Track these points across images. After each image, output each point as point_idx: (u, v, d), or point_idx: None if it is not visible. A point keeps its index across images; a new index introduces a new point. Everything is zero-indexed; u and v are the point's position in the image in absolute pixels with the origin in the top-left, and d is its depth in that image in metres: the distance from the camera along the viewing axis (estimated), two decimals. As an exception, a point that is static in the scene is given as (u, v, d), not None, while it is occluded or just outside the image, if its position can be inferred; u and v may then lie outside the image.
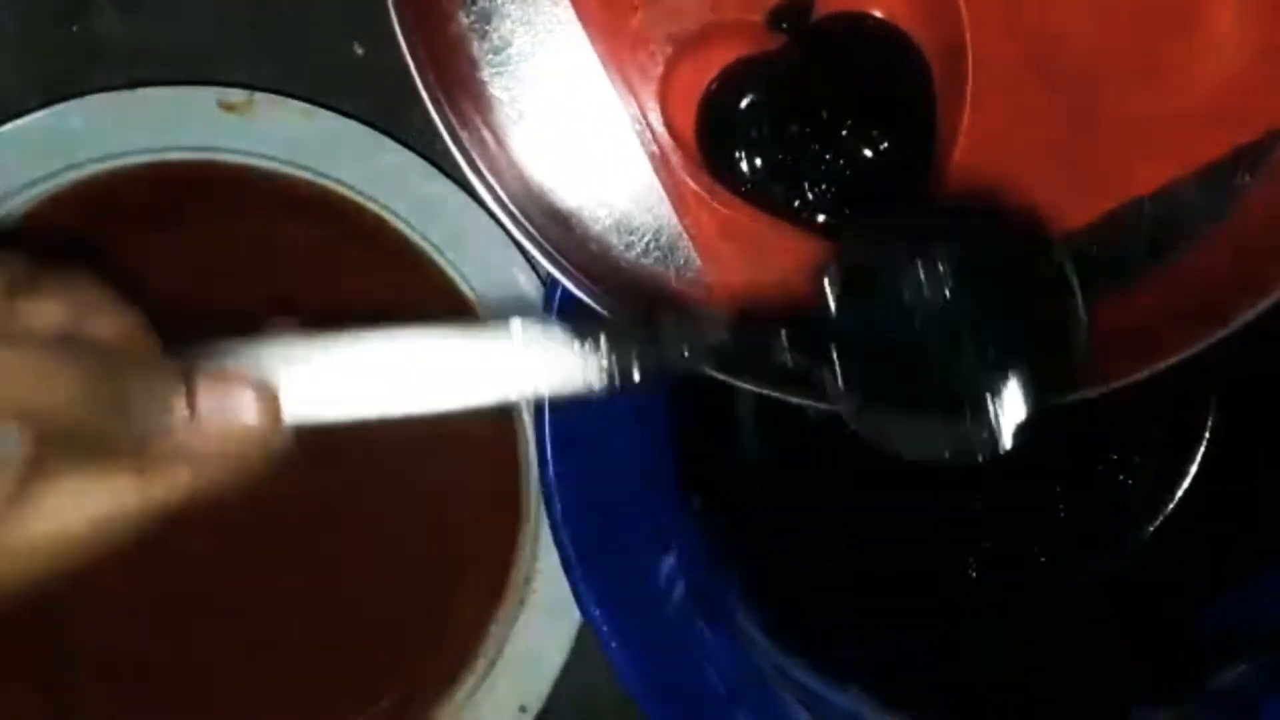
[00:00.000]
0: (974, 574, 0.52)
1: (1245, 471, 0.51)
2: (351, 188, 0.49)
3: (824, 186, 0.39)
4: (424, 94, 0.36)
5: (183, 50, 0.50)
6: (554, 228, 0.38)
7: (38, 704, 0.51)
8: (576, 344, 0.34)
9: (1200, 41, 0.38)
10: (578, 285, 0.37)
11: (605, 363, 0.34)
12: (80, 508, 0.30)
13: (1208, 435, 0.52)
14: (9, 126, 0.47)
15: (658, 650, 0.44)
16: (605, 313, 0.36)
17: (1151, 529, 0.53)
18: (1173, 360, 0.37)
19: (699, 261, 0.39)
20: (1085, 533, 0.53)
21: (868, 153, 0.39)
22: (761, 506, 0.50)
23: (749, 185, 0.38)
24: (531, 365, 0.34)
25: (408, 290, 0.50)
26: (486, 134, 0.38)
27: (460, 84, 0.38)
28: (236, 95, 0.48)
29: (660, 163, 0.38)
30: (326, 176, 0.48)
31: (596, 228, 0.39)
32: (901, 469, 0.50)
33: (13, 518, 0.30)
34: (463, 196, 0.48)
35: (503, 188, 0.37)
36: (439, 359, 0.34)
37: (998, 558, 0.52)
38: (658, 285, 0.39)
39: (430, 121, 0.50)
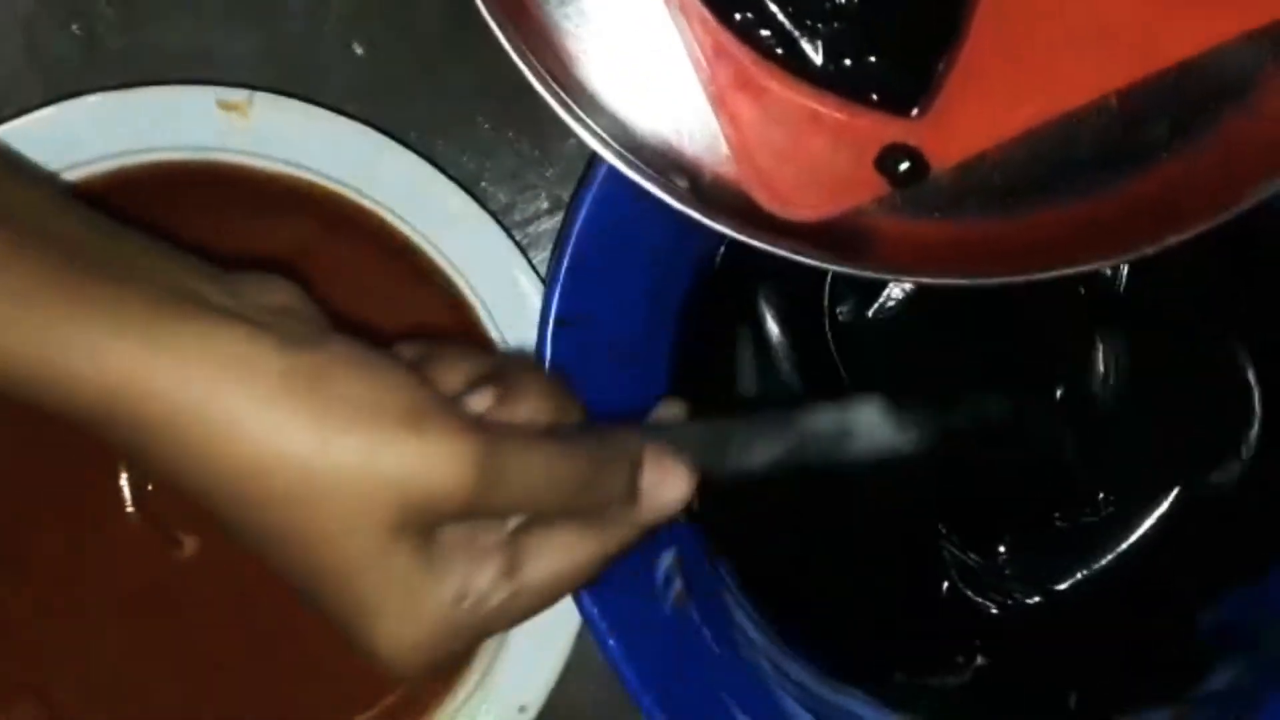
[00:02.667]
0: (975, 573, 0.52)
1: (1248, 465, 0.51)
2: (351, 188, 0.49)
3: (828, 31, 0.38)
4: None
5: (182, 50, 0.50)
6: (570, 83, 0.38)
7: (29, 711, 0.51)
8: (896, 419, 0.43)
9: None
10: (599, 143, 0.37)
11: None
12: (555, 563, 0.36)
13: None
14: (8, 126, 0.47)
15: (656, 649, 0.44)
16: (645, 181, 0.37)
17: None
18: (1192, 233, 0.37)
19: (712, 125, 0.39)
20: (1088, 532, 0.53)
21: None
22: (761, 504, 0.50)
23: (750, 30, 0.38)
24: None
25: (407, 290, 0.50)
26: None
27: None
28: (236, 95, 0.48)
29: (680, 16, 0.38)
30: (326, 177, 0.48)
31: (610, 88, 0.39)
32: (903, 469, 0.50)
33: (515, 582, 0.36)
34: (463, 197, 0.48)
35: (525, 42, 0.37)
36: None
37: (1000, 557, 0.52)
38: (670, 151, 0.39)
39: (429, 121, 0.50)
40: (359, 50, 0.51)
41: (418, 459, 0.32)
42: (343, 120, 0.48)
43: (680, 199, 0.37)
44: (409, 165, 0.48)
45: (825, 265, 0.38)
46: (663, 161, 0.39)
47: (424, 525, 0.33)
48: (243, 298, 0.34)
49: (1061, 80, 0.39)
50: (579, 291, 0.43)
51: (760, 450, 0.41)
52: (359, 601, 0.33)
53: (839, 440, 0.42)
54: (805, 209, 0.39)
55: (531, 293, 0.49)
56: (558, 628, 0.50)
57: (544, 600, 0.37)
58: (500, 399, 0.37)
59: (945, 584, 0.51)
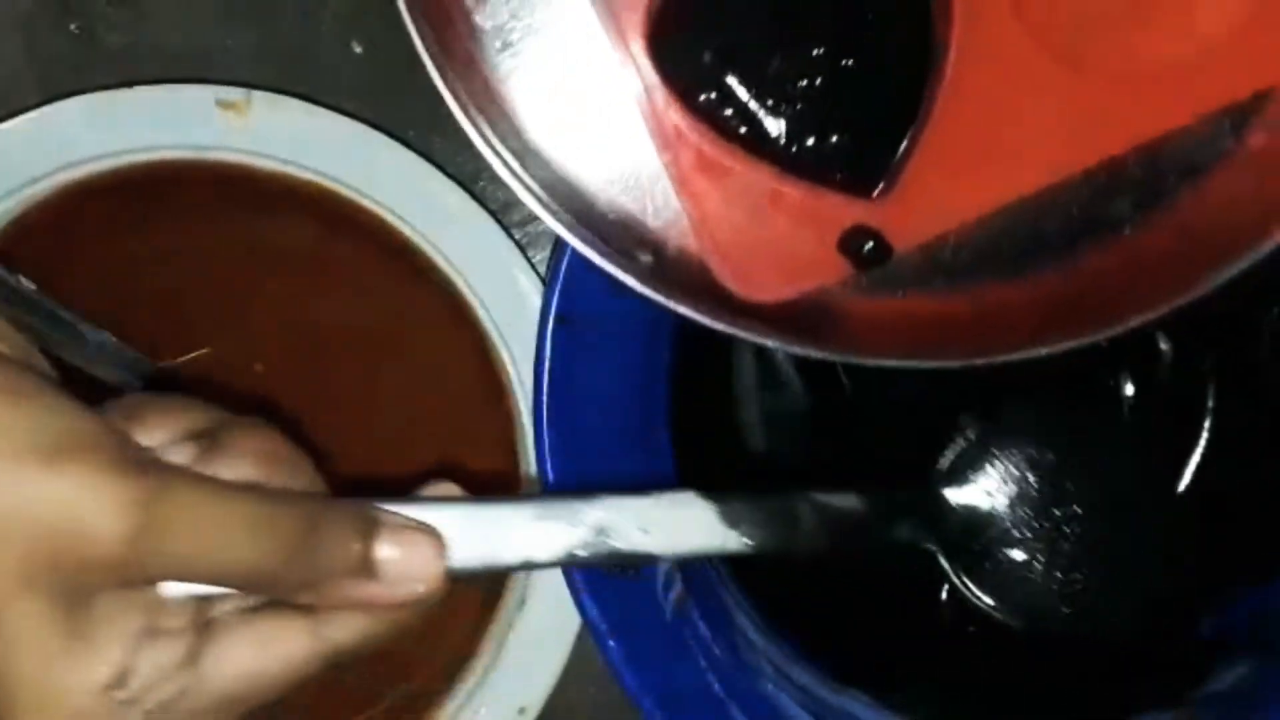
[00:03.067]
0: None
1: (1249, 465, 0.51)
2: (350, 187, 0.49)
3: (791, 113, 0.38)
4: (407, 18, 0.34)
5: (182, 49, 0.50)
6: (533, 160, 0.38)
7: None
8: (718, 513, 0.38)
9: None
10: (555, 218, 0.36)
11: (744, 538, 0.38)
12: (251, 655, 0.31)
13: (1206, 432, 0.52)
14: (6, 124, 0.47)
15: (655, 650, 0.44)
16: (611, 267, 0.36)
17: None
18: (1155, 315, 0.36)
19: (676, 200, 0.38)
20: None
21: (838, 83, 0.38)
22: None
23: (713, 111, 0.38)
24: (670, 531, 0.37)
25: (406, 289, 0.50)
26: (471, 62, 0.37)
27: (445, 13, 0.37)
28: (234, 94, 0.48)
29: (643, 96, 0.38)
30: (325, 176, 0.48)
31: (575, 164, 0.38)
32: (903, 470, 0.50)
33: (193, 676, 0.30)
34: (462, 195, 0.48)
35: (486, 121, 0.36)
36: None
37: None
38: (634, 225, 0.39)
39: (428, 119, 0.50)
40: (357, 49, 0.51)
41: (60, 494, 0.27)
42: (341, 119, 0.48)
43: (640, 278, 0.36)
44: (408, 164, 0.48)
45: (791, 349, 0.37)
46: (626, 235, 0.38)
47: (72, 582, 0.28)
48: None
49: (1026, 162, 0.38)
50: (578, 290, 0.43)
51: (540, 543, 0.34)
52: None
53: (645, 540, 0.36)
54: (768, 290, 0.38)
55: (531, 291, 0.49)
56: (558, 629, 0.50)
57: (231, 705, 0.31)
58: (205, 454, 0.31)
59: (945, 588, 0.51)
